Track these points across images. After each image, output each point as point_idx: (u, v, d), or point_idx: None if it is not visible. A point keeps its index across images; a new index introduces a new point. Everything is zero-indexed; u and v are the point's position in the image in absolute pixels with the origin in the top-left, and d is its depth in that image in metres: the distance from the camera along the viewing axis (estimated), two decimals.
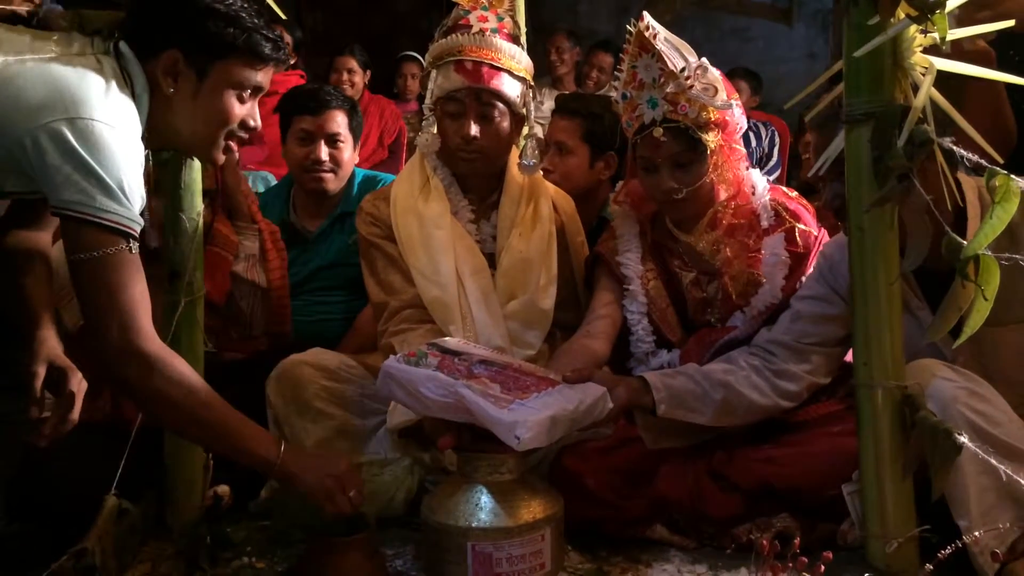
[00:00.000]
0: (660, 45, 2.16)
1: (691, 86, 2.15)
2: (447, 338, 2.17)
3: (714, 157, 2.22)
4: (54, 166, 1.58)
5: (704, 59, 2.20)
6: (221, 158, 1.88)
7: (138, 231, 1.66)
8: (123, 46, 1.75)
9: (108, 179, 1.59)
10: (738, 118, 2.24)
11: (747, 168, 2.33)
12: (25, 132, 1.58)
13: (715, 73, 2.20)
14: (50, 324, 1.93)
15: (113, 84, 1.68)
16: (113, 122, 1.63)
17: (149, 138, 1.77)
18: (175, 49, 1.74)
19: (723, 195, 2.31)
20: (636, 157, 2.28)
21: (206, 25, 1.74)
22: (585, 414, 1.88)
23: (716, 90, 2.17)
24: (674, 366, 2.26)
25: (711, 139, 2.19)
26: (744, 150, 2.29)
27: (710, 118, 2.17)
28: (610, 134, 2.86)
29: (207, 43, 1.75)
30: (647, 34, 2.16)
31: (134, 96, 1.73)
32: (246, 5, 1.80)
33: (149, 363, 1.66)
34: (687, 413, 2.05)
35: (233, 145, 1.90)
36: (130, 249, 1.64)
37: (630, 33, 2.20)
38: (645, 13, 2.20)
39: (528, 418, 1.75)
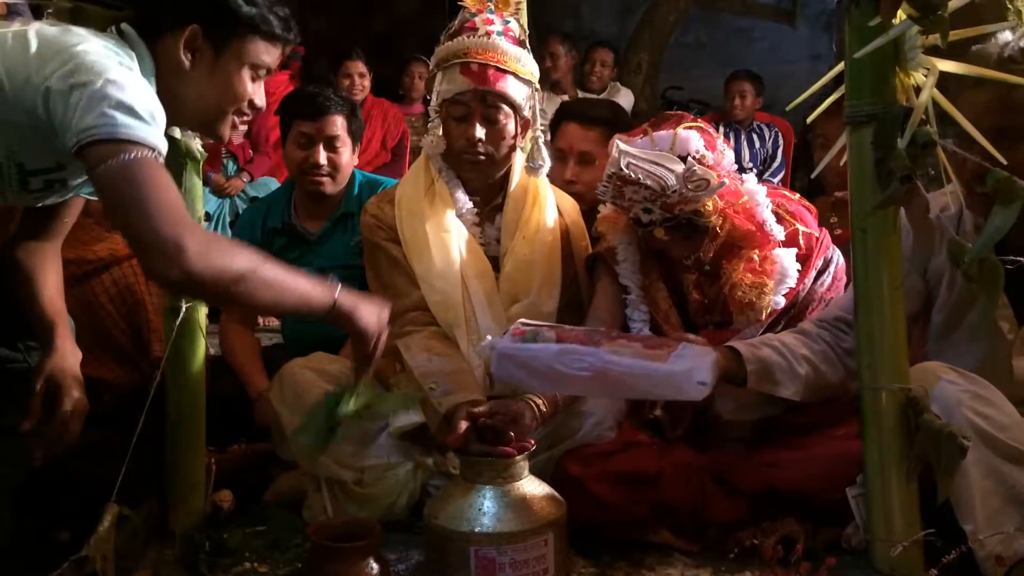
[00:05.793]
0: (640, 174, 2.11)
1: (683, 194, 2.12)
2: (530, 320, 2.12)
3: (719, 221, 2.21)
4: (73, 103, 1.53)
5: (692, 159, 2.13)
6: (227, 133, 1.86)
7: (164, 150, 1.60)
8: (126, 27, 1.73)
9: (129, 101, 1.55)
10: (728, 162, 2.21)
11: (742, 181, 2.28)
12: (40, 83, 1.55)
13: (707, 155, 2.15)
14: (65, 335, 1.90)
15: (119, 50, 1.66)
16: (127, 64, 1.62)
17: None
18: (196, 24, 1.73)
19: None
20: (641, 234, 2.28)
21: (226, 1, 1.74)
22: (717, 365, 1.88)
23: (708, 182, 2.12)
24: None
25: (714, 217, 2.18)
26: (734, 166, 2.26)
27: (708, 204, 2.16)
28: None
29: (226, 19, 1.75)
30: (626, 171, 2.12)
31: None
32: None
33: (207, 246, 1.56)
34: (773, 386, 2.04)
35: None
36: (157, 157, 1.57)
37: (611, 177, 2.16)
38: (617, 142, 2.15)
39: (700, 363, 1.70)
